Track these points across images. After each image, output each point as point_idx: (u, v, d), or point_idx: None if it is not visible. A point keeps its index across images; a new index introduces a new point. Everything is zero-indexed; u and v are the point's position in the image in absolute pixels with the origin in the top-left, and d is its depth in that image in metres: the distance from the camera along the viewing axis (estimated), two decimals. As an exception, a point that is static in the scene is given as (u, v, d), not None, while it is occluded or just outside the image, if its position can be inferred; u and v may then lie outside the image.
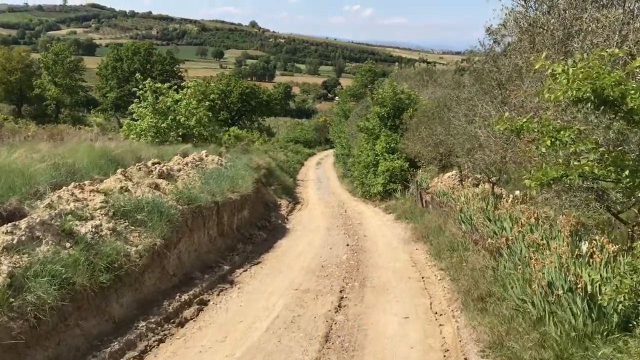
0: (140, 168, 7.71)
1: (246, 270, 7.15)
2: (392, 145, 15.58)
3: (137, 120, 14.20)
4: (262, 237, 9.44)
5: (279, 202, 13.92)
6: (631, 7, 4.67)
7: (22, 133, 13.57)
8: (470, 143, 8.52)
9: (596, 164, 2.91)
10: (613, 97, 2.74)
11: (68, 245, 4.48)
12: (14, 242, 4.03)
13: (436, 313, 5.49)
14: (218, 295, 5.98)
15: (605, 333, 3.47)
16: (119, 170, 7.03)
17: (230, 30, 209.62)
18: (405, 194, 14.06)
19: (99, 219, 5.24)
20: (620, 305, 3.20)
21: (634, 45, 4.30)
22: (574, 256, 4.48)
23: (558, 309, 3.90)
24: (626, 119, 2.88)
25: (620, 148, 3.18)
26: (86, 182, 6.08)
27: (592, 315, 3.60)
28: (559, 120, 3.64)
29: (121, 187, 6.27)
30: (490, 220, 6.99)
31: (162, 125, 13.88)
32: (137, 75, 15.38)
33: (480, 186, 9.80)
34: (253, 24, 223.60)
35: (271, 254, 8.38)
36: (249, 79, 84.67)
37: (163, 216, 5.92)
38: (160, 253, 5.67)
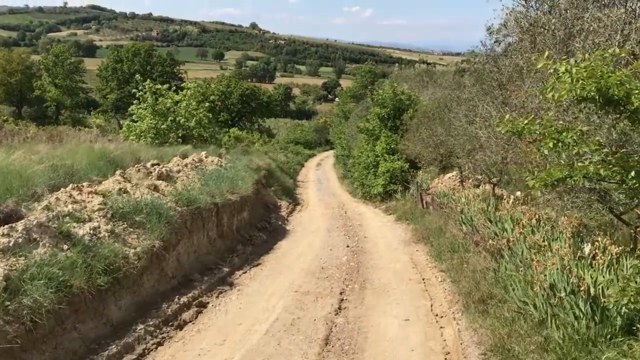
0: (139, 169, 7.68)
1: (246, 272, 7.11)
2: (392, 146, 15.55)
3: (137, 121, 14.19)
4: (262, 239, 9.40)
5: (279, 204, 13.88)
6: (633, 7, 4.63)
7: (21, 134, 13.54)
8: (471, 144, 8.48)
9: (601, 165, 2.87)
10: (618, 97, 2.70)
11: (65, 247, 4.44)
12: (11, 244, 3.99)
13: (437, 315, 5.44)
14: (217, 297, 5.94)
15: (608, 336, 3.42)
16: (117, 172, 7.00)
17: (230, 32, 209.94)
18: (406, 195, 14.01)
19: (97, 221, 5.20)
20: (624, 308, 3.15)
21: (637, 45, 4.26)
22: (576, 258, 4.43)
23: (560, 312, 3.86)
24: (631, 119, 2.84)
25: (624, 150, 3.13)
26: (84, 184, 6.04)
27: (595, 318, 3.55)
28: (560, 121, 3.59)
29: (120, 189, 6.23)
30: (491, 221, 6.94)
31: (162, 126, 13.86)
32: (137, 76, 15.38)
33: (481, 187, 9.76)
34: (253, 26, 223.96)
35: (271, 255, 8.34)
36: (249, 80, 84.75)
37: (162, 218, 5.88)
38: (159, 255, 5.63)
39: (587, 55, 2.87)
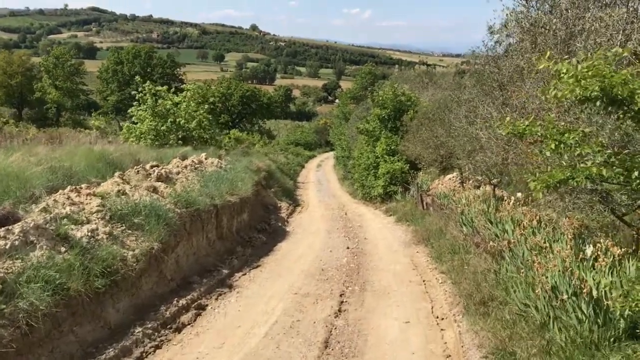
0: (138, 171, 7.65)
1: (245, 274, 7.07)
2: (392, 147, 15.51)
3: (137, 123, 14.17)
4: (261, 240, 9.35)
5: (279, 205, 13.84)
6: (635, 6, 4.60)
7: (21, 136, 13.51)
8: (471, 145, 8.43)
9: (603, 166, 2.82)
10: (622, 96, 2.66)
11: (63, 249, 4.41)
12: (7, 247, 3.96)
13: (437, 317, 5.40)
14: (216, 299, 5.90)
15: (612, 340, 3.38)
16: (116, 174, 6.96)
17: (230, 34, 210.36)
18: (406, 196, 13.97)
19: (95, 223, 5.16)
20: (627, 310, 3.10)
21: (639, 45, 4.22)
22: (578, 260, 4.39)
23: (563, 314, 3.81)
24: (635, 119, 2.80)
25: (627, 150, 3.09)
26: (83, 186, 6.01)
27: (598, 321, 3.50)
28: (562, 122, 3.55)
29: (118, 191, 6.20)
30: (491, 222, 6.89)
31: (162, 128, 13.84)
32: (137, 78, 15.37)
33: (481, 188, 9.72)
34: (253, 27, 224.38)
35: (271, 257, 8.30)
36: (249, 82, 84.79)
37: (161, 220, 5.84)
38: (157, 257, 5.59)
39: (589, 54, 2.83)
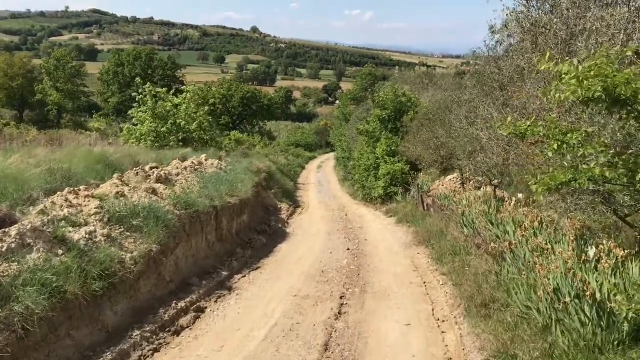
0: (137, 173, 7.61)
1: (245, 276, 7.03)
2: (392, 149, 15.47)
3: (137, 125, 14.16)
4: (261, 242, 9.31)
5: (279, 206, 13.80)
6: (637, 6, 4.56)
7: (21, 138, 13.50)
8: (472, 145, 8.39)
9: (607, 167, 2.77)
10: (625, 96, 2.61)
11: (60, 252, 4.37)
12: (3, 249, 3.92)
13: (438, 320, 5.35)
14: (216, 302, 5.85)
15: (616, 343, 3.33)
16: (115, 175, 6.93)
17: (231, 36, 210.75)
18: (407, 198, 13.93)
19: (94, 225, 5.13)
20: (631, 313, 3.06)
21: (640, 44, 4.18)
22: (581, 261, 4.33)
23: (565, 317, 3.76)
24: (639, 119, 2.75)
25: (631, 151, 3.04)
26: (81, 188, 5.97)
27: (602, 324, 3.45)
28: (565, 122, 3.51)
29: (117, 192, 6.17)
30: (492, 223, 6.85)
31: (162, 129, 13.83)
32: (137, 79, 15.38)
33: (482, 189, 9.67)
34: (254, 29, 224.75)
35: (271, 259, 8.26)
36: (250, 83, 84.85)
37: (160, 221, 5.80)
38: (156, 259, 5.55)
39: (592, 52, 2.79)
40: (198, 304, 5.64)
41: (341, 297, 6.09)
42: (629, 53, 2.85)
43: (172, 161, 9.80)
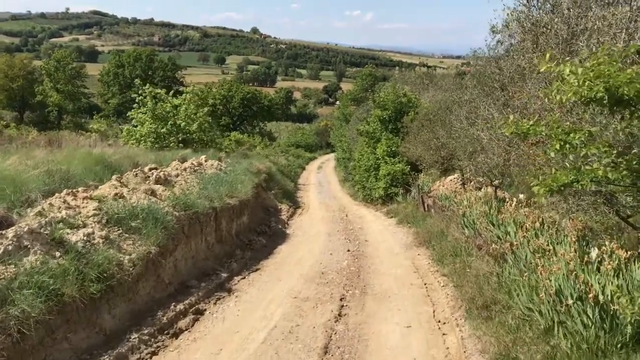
0: (136, 174, 7.57)
1: (244, 278, 6.98)
2: (393, 149, 15.44)
3: (137, 126, 14.14)
4: (261, 243, 9.27)
5: (279, 207, 13.77)
6: (638, 4, 4.52)
7: (20, 139, 13.49)
8: (473, 146, 8.35)
9: (609, 168, 2.73)
10: (628, 96, 2.57)
11: (57, 254, 4.33)
12: (0, 252, 3.89)
13: (439, 322, 5.30)
14: (215, 304, 5.81)
15: (619, 346, 3.29)
16: (114, 177, 6.90)
17: (232, 37, 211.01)
18: (407, 198, 13.88)
19: (92, 227, 5.09)
20: (635, 316, 3.01)
21: (642, 43, 4.14)
22: (583, 263, 4.29)
23: (568, 319, 3.72)
24: (643, 119, 2.72)
25: (634, 151, 3.00)
26: (80, 189, 5.94)
27: (605, 326, 3.41)
28: (568, 122, 3.46)
29: (116, 194, 6.13)
30: (493, 224, 6.81)
31: (162, 130, 13.81)
32: (137, 80, 15.36)
33: (482, 190, 9.63)
34: (254, 30, 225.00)
35: (270, 260, 8.21)
36: (250, 84, 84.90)
37: (158, 223, 5.76)
38: (155, 261, 5.51)
39: (594, 50, 2.75)
40: (197, 306, 5.60)
41: (341, 299, 6.05)
42: (633, 49, 2.80)
43: (172, 162, 9.76)
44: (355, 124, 22.92)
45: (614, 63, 2.67)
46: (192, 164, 9.79)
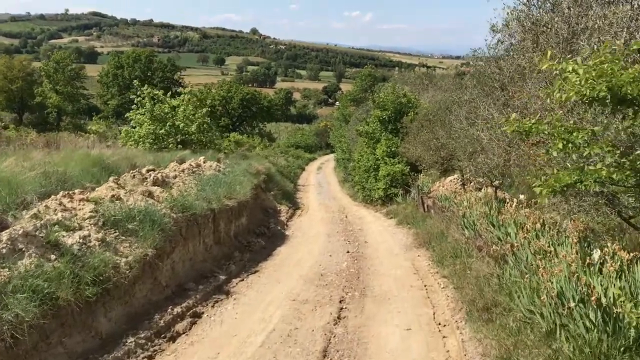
0: (134, 175, 7.53)
1: (243, 280, 6.93)
2: (392, 150, 15.40)
3: (136, 127, 14.09)
4: (260, 245, 9.22)
5: (278, 208, 13.72)
6: (639, 3, 4.48)
7: (19, 141, 13.42)
8: (472, 146, 8.30)
9: (613, 168, 2.68)
10: (631, 95, 2.52)
11: (53, 257, 4.28)
12: (-6, 255, 3.83)
13: (439, 324, 5.25)
14: (212, 307, 5.75)
15: (622, 349, 3.23)
16: (111, 178, 6.85)
17: (231, 37, 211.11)
18: (407, 199, 13.84)
19: (88, 229, 5.03)
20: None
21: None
22: (585, 265, 4.24)
23: (570, 322, 3.66)
24: (647, 118, 2.66)
25: (638, 151, 2.95)
26: (76, 191, 5.88)
27: (608, 329, 3.35)
28: (571, 122, 3.41)
29: (113, 196, 6.08)
30: (494, 225, 6.75)
31: (161, 131, 13.76)
32: (135, 82, 15.31)
33: (483, 190, 9.58)
34: (254, 31, 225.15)
35: (269, 262, 8.16)
36: (250, 85, 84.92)
37: (156, 225, 5.71)
38: (152, 264, 5.45)
39: (596, 48, 2.70)
40: (194, 309, 5.55)
41: (340, 301, 5.99)
42: (636, 46, 2.74)
43: (170, 163, 9.71)
44: (355, 124, 22.88)
45: (617, 61, 2.62)
46: (190, 165, 9.74)
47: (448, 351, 4.58)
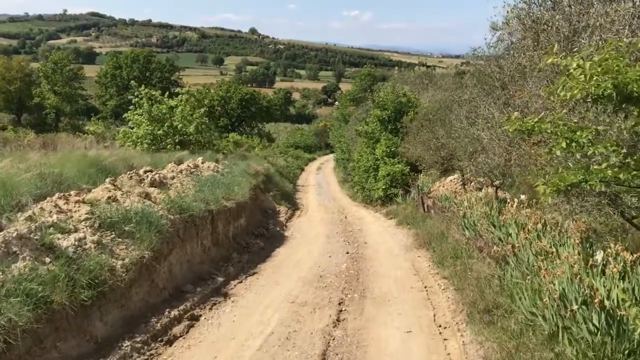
0: (131, 176, 7.46)
1: (241, 282, 6.86)
2: (392, 149, 15.33)
3: (133, 128, 14.02)
4: (259, 246, 9.15)
5: (277, 209, 13.65)
6: (642, 0, 4.42)
7: (16, 142, 13.34)
8: (473, 146, 8.24)
9: (618, 168, 2.62)
10: (638, 93, 2.46)
11: (47, 260, 4.21)
12: (-14, 259, 3.76)
13: (440, 326, 5.18)
14: (210, 309, 5.69)
15: (626, 352, 3.17)
16: (108, 180, 6.77)
17: (230, 37, 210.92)
18: (407, 199, 13.77)
19: (83, 232, 4.96)
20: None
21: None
22: (587, 266, 4.18)
23: (573, 325, 3.60)
24: (652, 117, 2.60)
25: (643, 152, 2.89)
26: (72, 193, 5.81)
27: (611, 332, 3.29)
28: (575, 120, 3.35)
29: (109, 197, 6.00)
30: (494, 226, 6.70)
31: (159, 132, 13.69)
32: (132, 82, 15.24)
33: (483, 190, 9.52)
34: (253, 31, 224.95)
35: (268, 263, 8.09)
36: (249, 85, 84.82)
37: (152, 227, 5.64)
38: (148, 266, 5.39)
39: (600, 44, 2.64)
40: (192, 311, 5.48)
41: (340, 303, 5.93)
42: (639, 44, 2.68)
43: (168, 164, 9.65)
44: (355, 124, 22.81)
45: (622, 58, 2.56)
46: (188, 166, 9.67)
47: (449, 354, 4.52)
